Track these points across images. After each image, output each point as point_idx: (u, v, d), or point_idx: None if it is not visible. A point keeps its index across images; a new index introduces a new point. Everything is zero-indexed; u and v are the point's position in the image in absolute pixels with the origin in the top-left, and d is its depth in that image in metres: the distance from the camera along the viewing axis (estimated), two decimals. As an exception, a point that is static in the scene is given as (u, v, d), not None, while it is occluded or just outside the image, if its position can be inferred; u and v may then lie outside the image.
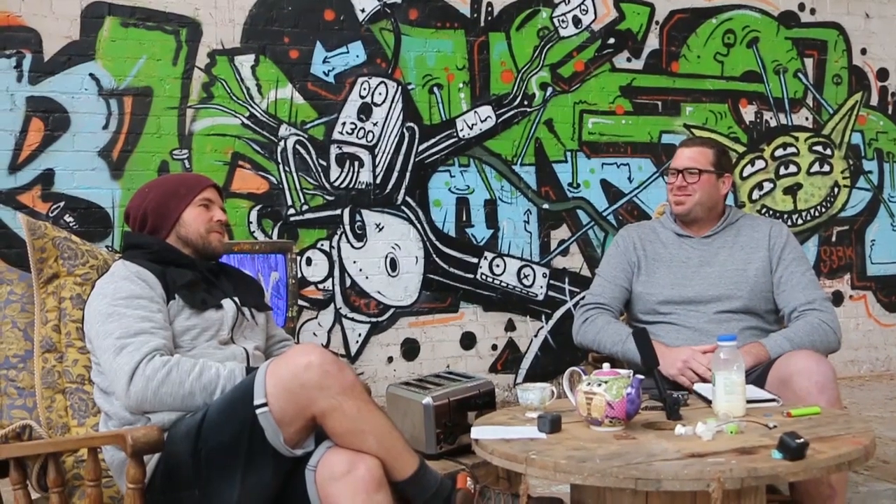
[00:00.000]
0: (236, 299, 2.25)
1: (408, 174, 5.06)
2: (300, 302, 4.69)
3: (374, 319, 5.00)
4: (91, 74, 4.49)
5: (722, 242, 2.84)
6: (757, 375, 2.51)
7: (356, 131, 4.97)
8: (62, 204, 4.43)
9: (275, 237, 4.78)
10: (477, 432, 2.08)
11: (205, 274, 2.24)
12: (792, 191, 5.89)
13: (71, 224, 4.40)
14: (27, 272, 2.32)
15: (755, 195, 5.80)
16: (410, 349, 5.07)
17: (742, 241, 2.83)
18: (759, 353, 2.56)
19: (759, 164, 5.82)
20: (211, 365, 2.04)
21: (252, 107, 4.78)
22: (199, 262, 2.25)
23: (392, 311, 5.04)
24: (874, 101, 6.13)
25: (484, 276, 5.22)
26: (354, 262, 4.96)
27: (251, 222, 4.75)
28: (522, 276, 5.30)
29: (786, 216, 5.84)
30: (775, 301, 2.77)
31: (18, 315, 2.28)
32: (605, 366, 2.14)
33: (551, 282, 5.35)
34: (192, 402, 2.00)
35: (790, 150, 5.90)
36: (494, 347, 5.26)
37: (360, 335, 4.97)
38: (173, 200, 2.25)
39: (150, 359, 1.98)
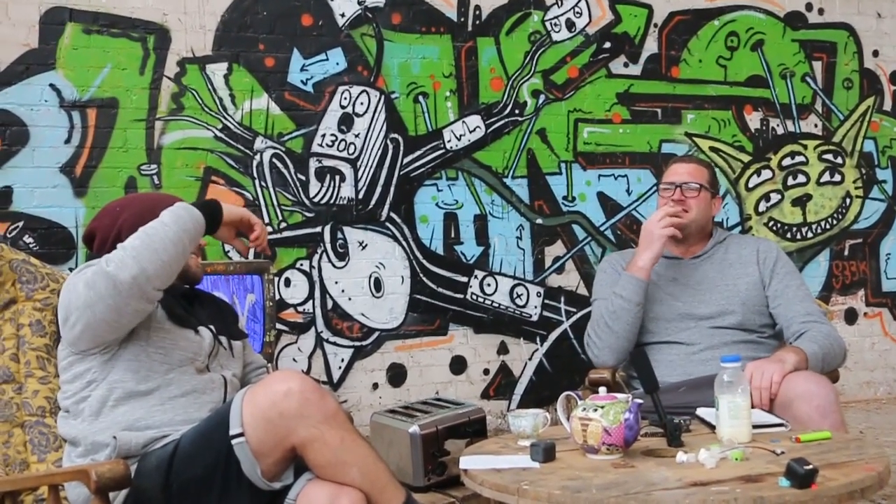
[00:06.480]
0: (212, 328, 2.25)
1: (392, 188, 5.08)
2: (278, 325, 4.69)
3: (357, 343, 5.00)
4: (51, 85, 4.50)
5: (710, 263, 2.95)
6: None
7: (337, 143, 4.99)
8: (21, 224, 4.42)
9: (251, 257, 4.78)
10: (466, 462, 2.10)
11: (178, 299, 2.25)
12: (801, 202, 5.94)
13: (31, 245, 4.40)
14: (-17, 297, 2.32)
15: (762, 207, 5.84)
16: (397, 375, 5.07)
17: (731, 259, 2.96)
18: (800, 354, 2.60)
19: (766, 174, 5.86)
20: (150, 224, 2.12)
21: (225, 118, 4.79)
22: (174, 285, 2.24)
23: (377, 334, 5.04)
24: (887, 105, 6.18)
25: (474, 296, 5.23)
26: (336, 282, 4.97)
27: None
28: (515, 295, 5.31)
29: (795, 229, 5.89)
30: (771, 314, 2.88)
31: (-26, 343, 2.28)
32: (602, 390, 2.16)
33: (546, 301, 5.36)
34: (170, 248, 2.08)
35: (798, 158, 5.95)
36: (486, 372, 5.26)
37: (342, 360, 4.97)
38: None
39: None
